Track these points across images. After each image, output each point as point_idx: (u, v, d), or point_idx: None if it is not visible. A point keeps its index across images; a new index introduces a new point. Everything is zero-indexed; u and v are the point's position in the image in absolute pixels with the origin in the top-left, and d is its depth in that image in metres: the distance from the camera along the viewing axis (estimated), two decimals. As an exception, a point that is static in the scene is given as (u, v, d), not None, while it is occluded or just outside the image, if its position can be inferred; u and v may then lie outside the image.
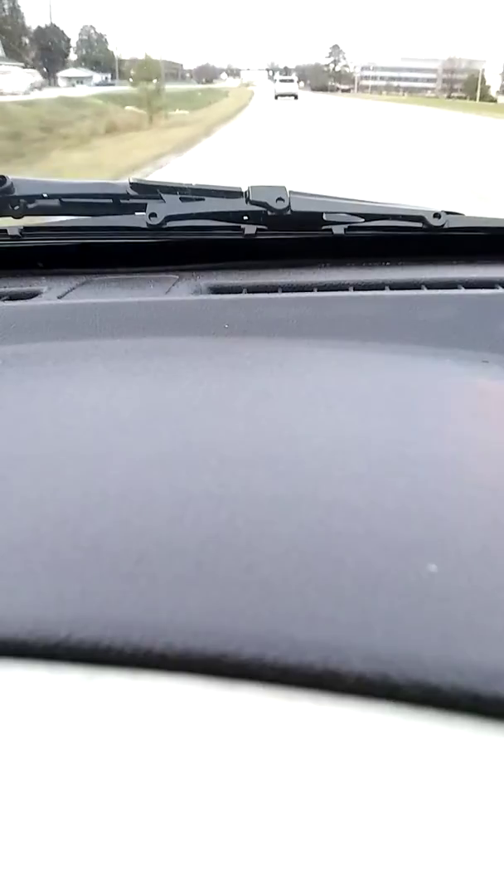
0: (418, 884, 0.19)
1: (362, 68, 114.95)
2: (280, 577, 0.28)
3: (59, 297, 0.72)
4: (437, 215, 0.79)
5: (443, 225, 0.79)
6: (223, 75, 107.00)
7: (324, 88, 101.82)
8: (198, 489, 0.33)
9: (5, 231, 0.80)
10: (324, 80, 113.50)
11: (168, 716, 0.23)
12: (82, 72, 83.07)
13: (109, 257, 0.81)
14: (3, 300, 0.72)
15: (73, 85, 71.07)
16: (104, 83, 72.10)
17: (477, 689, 0.23)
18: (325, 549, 0.30)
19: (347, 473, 0.35)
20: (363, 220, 0.79)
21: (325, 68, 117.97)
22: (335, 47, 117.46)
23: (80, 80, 77.49)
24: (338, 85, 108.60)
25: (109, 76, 79.97)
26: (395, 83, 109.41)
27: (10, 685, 0.24)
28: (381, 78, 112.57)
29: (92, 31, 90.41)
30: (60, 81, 76.37)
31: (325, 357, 0.54)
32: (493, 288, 0.72)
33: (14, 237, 0.80)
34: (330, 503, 0.33)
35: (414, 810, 0.21)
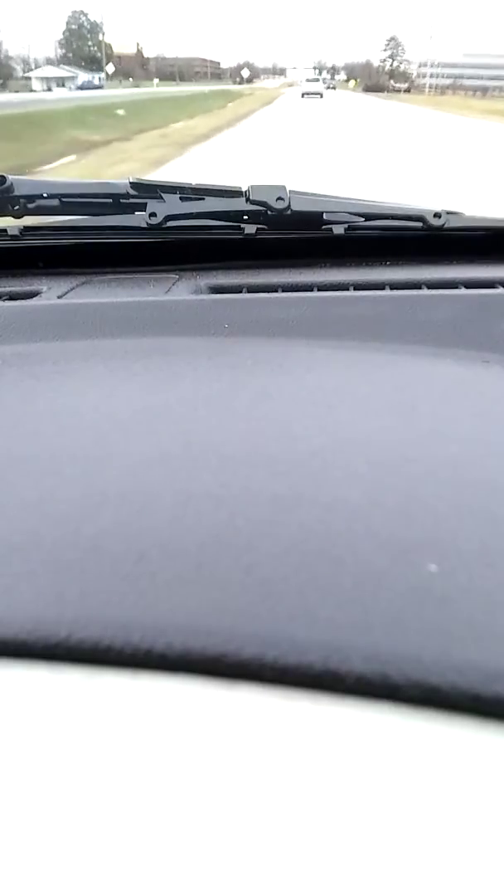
0: (418, 883, 0.19)
1: (420, 65, 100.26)
2: (280, 577, 0.28)
3: (59, 297, 0.73)
4: (437, 215, 0.79)
5: (443, 225, 0.79)
6: (244, 72, 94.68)
7: (379, 88, 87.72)
8: (198, 489, 0.34)
9: (5, 231, 0.81)
10: (378, 78, 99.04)
11: (168, 716, 0.23)
12: (63, 71, 70.84)
13: (109, 257, 0.82)
14: (3, 300, 0.73)
15: (49, 88, 59.01)
16: (89, 85, 59.52)
17: (477, 689, 0.23)
18: (325, 549, 0.29)
19: (347, 473, 0.35)
20: (363, 219, 0.80)
21: (382, 64, 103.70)
22: (392, 39, 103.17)
23: (62, 82, 65.41)
24: (396, 85, 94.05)
25: (101, 76, 67.24)
26: (458, 81, 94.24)
27: (10, 685, 0.24)
28: (443, 76, 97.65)
29: (83, 19, 77.45)
30: (35, 84, 64.19)
31: (325, 357, 0.55)
32: (493, 288, 0.72)
33: (14, 237, 0.81)
34: (330, 503, 0.33)
35: (414, 810, 0.21)
